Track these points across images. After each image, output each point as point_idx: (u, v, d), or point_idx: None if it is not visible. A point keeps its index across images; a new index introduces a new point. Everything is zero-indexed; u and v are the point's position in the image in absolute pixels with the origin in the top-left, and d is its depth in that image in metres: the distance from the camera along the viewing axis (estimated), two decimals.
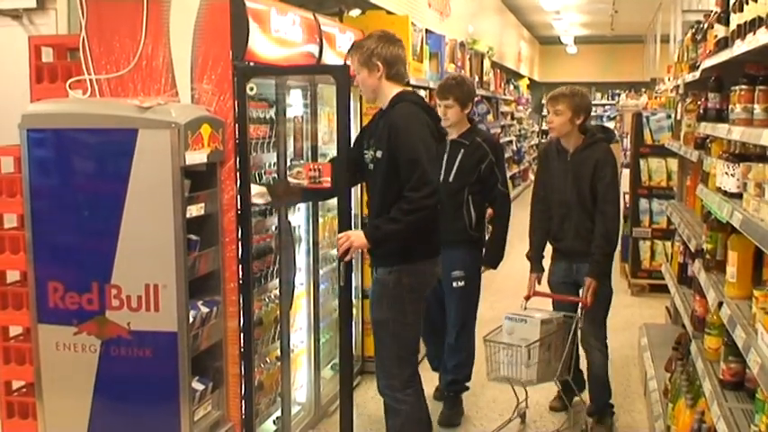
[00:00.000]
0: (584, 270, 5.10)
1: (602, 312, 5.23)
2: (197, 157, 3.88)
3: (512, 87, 17.32)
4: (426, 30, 7.86)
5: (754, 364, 2.92)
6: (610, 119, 23.43)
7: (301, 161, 4.64)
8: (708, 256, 4.21)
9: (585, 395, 5.44)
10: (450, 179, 5.25)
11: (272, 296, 4.75)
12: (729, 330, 3.40)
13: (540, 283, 5.37)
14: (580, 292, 5.14)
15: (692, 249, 4.82)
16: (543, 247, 5.40)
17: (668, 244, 8.22)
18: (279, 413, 4.82)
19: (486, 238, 5.59)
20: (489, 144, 5.38)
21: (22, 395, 4.60)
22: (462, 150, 5.28)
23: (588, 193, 5.10)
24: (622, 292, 9.42)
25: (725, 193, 3.91)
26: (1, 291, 4.56)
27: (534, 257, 5.41)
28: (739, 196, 3.68)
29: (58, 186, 3.98)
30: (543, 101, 24.87)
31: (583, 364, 5.45)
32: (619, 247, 10.43)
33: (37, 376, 4.12)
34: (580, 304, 5.05)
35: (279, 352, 4.78)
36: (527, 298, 5.26)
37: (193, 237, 3.99)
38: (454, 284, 5.30)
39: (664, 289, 6.95)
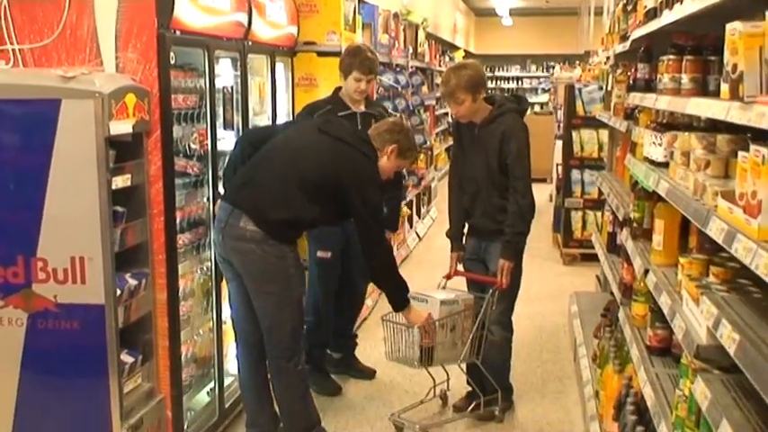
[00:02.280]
0: (491, 249, 4.94)
1: (513, 294, 5.03)
2: (122, 127, 3.81)
3: (447, 59, 17.32)
4: (359, 0, 7.81)
5: (679, 330, 2.97)
6: (544, 91, 23.63)
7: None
8: (635, 225, 4.27)
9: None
10: None
11: (205, 267, 4.70)
12: (655, 297, 3.46)
13: (461, 261, 5.15)
14: (493, 271, 4.92)
15: (621, 218, 4.90)
16: (463, 225, 5.18)
17: (599, 214, 8.34)
18: (212, 384, 4.79)
19: None
20: (387, 112, 5.74)
21: None
22: (374, 122, 5.09)
23: (497, 168, 4.83)
24: (554, 261, 9.56)
25: (652, 162, 3.97)
26: None
27: (454, 236, 5.20)
28: (666, 165, 3.74)
29: None
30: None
31: None
32: (551, 218, 10.63)
33: None
34: (493, 286, 4.85)
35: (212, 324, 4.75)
36: (447, 277, 5.10)
37: (119, 208, 3.91)
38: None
39: (594, 258, 7.04)
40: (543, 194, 13.49)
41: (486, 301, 4.82)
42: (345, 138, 4.37)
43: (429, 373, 5.04)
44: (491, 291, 4.82)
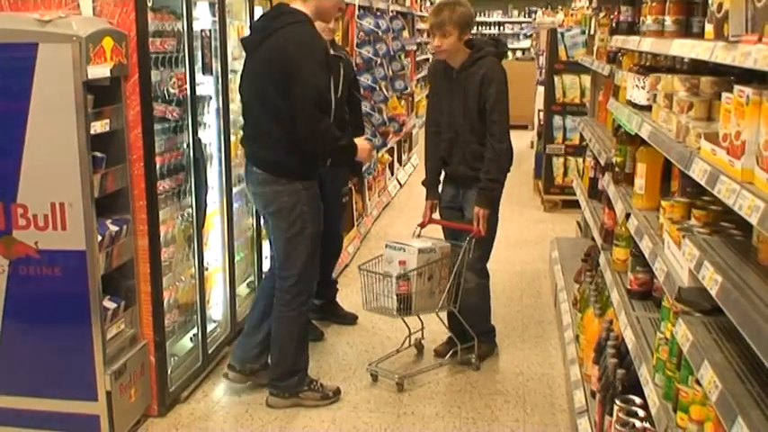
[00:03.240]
0: (468, 196, 4.90)
1: (490, 242, 5.00)
2: (100, 71, 3.75)
3: (428, 4, 17.17)
4: None
5: (660, 273, 2.99)
6: (526, 36, 23.46)
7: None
8: (617, 169, 4.27)
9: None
10: (338, 95, 4.87)
11: (186, 214, 4.67)
12: (637, 240, 3.47)
13: (436, 209, 5.10)
14: (469, 219, 4.90)
15: (602, 163, 4.88)
16: (439, 173, 5.09)
17: (580, 160, 8.33)
18: (195, 330, 4.80)
19: None
20: (346, 55, 5.77)
21: None
22: (342, 65, 5.16)
23: (476, 112, 4.75)
24: (535, 208, 9.59)
25: (634, 105, 3.96)
26: None
27: (429, 184, 5.09)
28: (649, 108, 3.73)
29: None
30: None
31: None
32: (532, 164, 10.63)
33: None
34: (470, 234, 4.83)
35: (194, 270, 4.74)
36: (422, 225, 5.05)
37: (99, 154, 3.88)
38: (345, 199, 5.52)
39: (575, 205, 7.06)
40: (524, 141, 13.49)
41: (462, 249, 4.78)
42: (273, 27, 4.24)
43: (405, 322, 5.07)
44: (467, 238, 4.78)
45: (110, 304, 4.02)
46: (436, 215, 5.14)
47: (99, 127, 3.84)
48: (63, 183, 3.78)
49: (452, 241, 4.95)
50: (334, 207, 5.36)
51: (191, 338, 4.82)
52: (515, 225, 8.72)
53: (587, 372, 4.12)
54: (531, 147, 12.14)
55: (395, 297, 4.65)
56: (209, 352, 4.90)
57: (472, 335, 5.02)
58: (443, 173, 5.09)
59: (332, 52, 4.89)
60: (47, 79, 3.71)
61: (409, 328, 5.14)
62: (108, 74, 3.80)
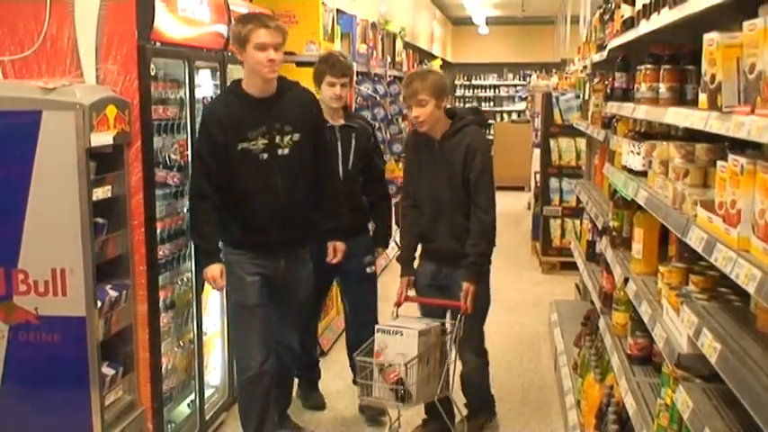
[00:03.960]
0: (455, 275, 4.60)
1: (480, 319, 4.77)
2: (102, 138, 3.80)
3: (425, 68, 17.39)
4: (338, 10, 7.84)
5: (660, 339, 3.00)
6: (521, 99, 23.71)
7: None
8: (614, 234, 4.30)
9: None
10: (350, 166, 5.04)
11: (186, 279, 4.69)
12: (636, 306, 3.48)
13: (412, 287, 4.79)
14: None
15: (600, 227, 4.91)
16: (415, 249, 4.85)
17: (578, 222, 8.38)
18: (193, 396, 4.78)
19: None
20: (368, 122, 5.46)
21: None
22: (354, 134, 5.07)
23: (461, 184, 4.54)
24: (533, 269, 9.60)
25: (630, 171, 3.99)
26: None
27: (405, 260, 4.81)
28: (644, 174, 3.77)
29: None
30: (456, 81, 25.07)
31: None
32: (529, 226, 10.67)
33: None
34: (450, 313, 4.62)
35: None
36: (398, 304, 4.62)
37: (100, 220, 3.91)
38: (368, 270, 5.21)
39: (574, 266, 7.06)
40: (521, 203, 13.58)
41: (455, 328, 4.47)
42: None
43: (387, 413, 4.75)
44: (459, 316, 4.45)
45: (108, 371, 4.01)
46: (412, 292, 4.83)
47: (101, 193, 3.88)
48: (64, 249, 3.80)
49: (436, 319, 4.55)
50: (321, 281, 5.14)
51: (188, 404, 4.79)
52: (514, 287, 8.72)
53: None
54: (528, 208, 12.20)
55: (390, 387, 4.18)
56: (207, 418, 4.88)
57: (465, 409, 4.93)
58: (421, 249, 4.85)
59: (342, 122, 5.08)
60: (50, 146, 3.75)
61: (390, 417, 4.68)
62: (111, 141, 3.85)
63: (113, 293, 4.00)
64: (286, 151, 4.25)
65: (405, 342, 4.20)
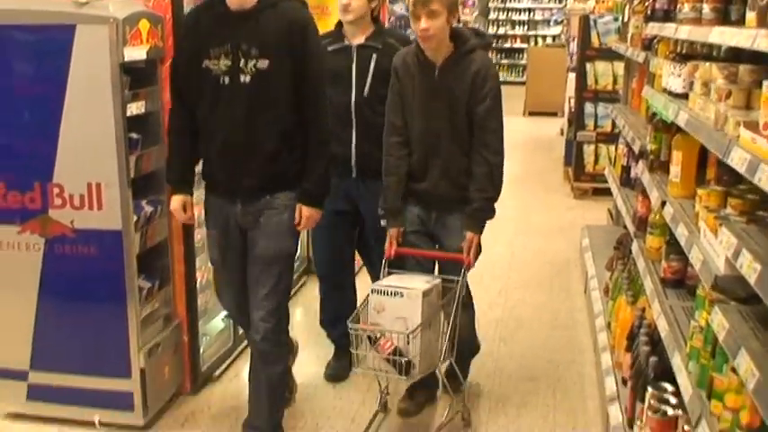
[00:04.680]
0: (448, 222, 4.03)
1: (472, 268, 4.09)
2: (136, 53, 3.78)
3: None
4: None
5: (696, 261, 2.98)
6: (557, 23, 23.33)
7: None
8: (652, 157, 4.26)
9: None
10: (365, 92, 4.32)
11: None
12: (672, 229, 3.46)
13: (401, 237, 4.10)
14: (453, 248, 4.01)
15: (636, 151, 4.87)
16: (402, 193, 4.07)
17: (612, 148, 8.31)
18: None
19: None
20: (402, 41, 4.40)
21: None
22: (375, 56, 4.31)
23: (463, 118, 3.91)
24: (565, 195, 9.55)
25: (671, 93, 3.93)
26: None
27: (392, 207, 4.09)
28: (685, 96, 3.71)
29: None
30: (491, 4, 24.69)
31: None
32: (562, 152, 10.58)
33: None
34: (441, 265, 4.14)
35: None
36: (387, 257, 4.04)
37: (135, 135, 3.91)
38: (383, 222, 4.23)
39: (606, 192, 7.05)
40: (554, 128, 13.46)
41: (458, 285, 3.89)
42: None
43: (378, 381, 4.13)
44: (463, 271, 3.91)
45: (144, 284, 4.06)
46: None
47: (135, 109, 3.88)
48: (99, 163, 3.82)
49: (432, 275, 4.04)
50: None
51: (222, 319, 4.85)
52: (545, 212, 8.70)
53: (619, 359, 4.12)
54: (561, 134, 12.08)
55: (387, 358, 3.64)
56: (240, 332, 4.93)
57: (461, 381, 4.24)
58: (408, 190, 4.10)
59: (362, 41, 4.36)
60: (84, 60, 3.74)
61: (380, 385, 4.14)
62: (144, 56, 3.83)
63: (149, 208, 4.03)
64: (247, 79, 3.50)
65: (406, 305, 3.66)
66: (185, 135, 3.71)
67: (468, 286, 4.11)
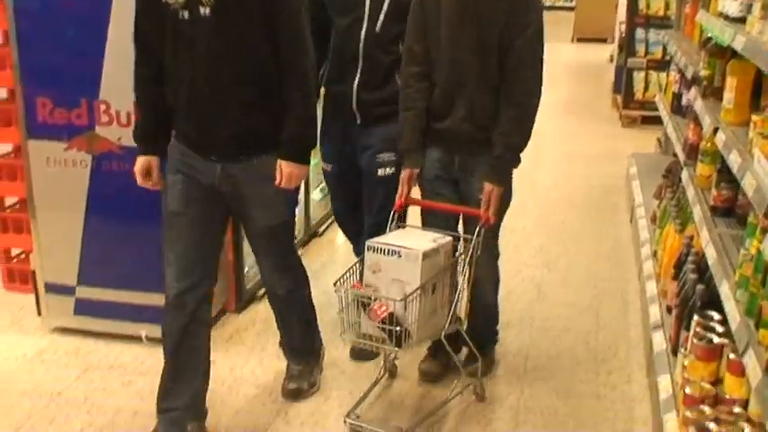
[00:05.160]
0: (470, 166, 3.56)
1: (497, 226, 3.65)
2: None
3: None
4: None
5: (749, 188, 2.91)
6: None
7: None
8: (705, 83, 4.16)
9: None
10: (378, 28, 3.79)
11: None
12: (724, 156, 3.39)
13: (416, 182, 3.66)
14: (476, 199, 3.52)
15: (689, 77, 4.76)
16: (421, 131, 3.58)
17: (662, 74, 8.16)
18: (300, 206, 4.93)
19: None
20: None
21: (16, 211, 4.66)
22: None
23: (495, 49, 3.38)
24: (613, 123, 9.42)
25: (727, 17, 3.82)
26: None
27: (408, 146, 3.60)
28: (742, 21, 3.61)
29: (41, 4, 3.89)
30: None
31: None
32: (611, 79, 10.41)
33: (29, 192, 4.11)
34: (465, 221, 3.65)
35: None
36: (398, 208, 3.58)
37: None
38: (380, 171, 3.90)
39: (655, 121, 6.95)
40: (603, 54, 13.25)
41: (471, 245, 3.45)
42: None
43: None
44: (477, 229, 3.44)
45: None
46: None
47: None
48: None
49: (445, 231, 3.53)
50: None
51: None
52: (592, 140, 8.60)
53: (664, 287, 4.09)
54: (611, 60, 11.89)
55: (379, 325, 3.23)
56: (312, 223, 5.08)
57: (475, 352, 3.76)
58: (429, 130, 3.61)
59: None
60: None
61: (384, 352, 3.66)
62: None
63: None
64: (207, 12, 3.03)
65: (404, 266, 3.23)
66: (150, 86, 3.26)
67: (497, 248, 3.76)
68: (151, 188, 3.37)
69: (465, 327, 3.65)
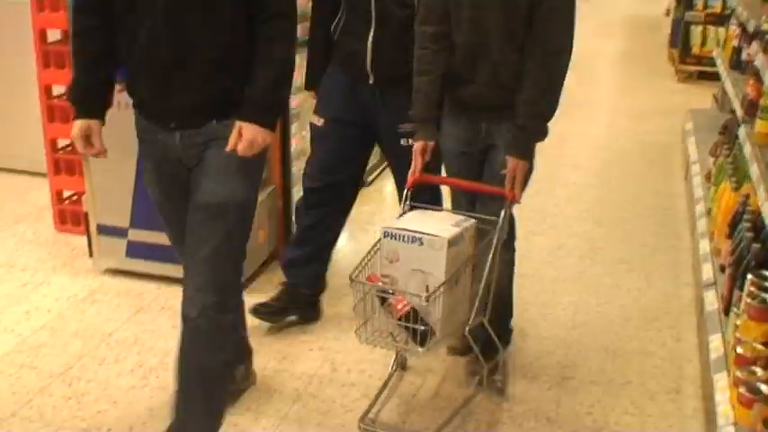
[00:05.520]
0: (498, 135, 3.15)
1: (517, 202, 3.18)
2: None
3: None
4: None
5: None
6: None
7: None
8: (767, 38, 4.06)
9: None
10: None
11: None
12: None
13: (429, 155, 3.24)
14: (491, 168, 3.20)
15: (750, 31, 4.65)
16: (436, 99, 3.20)
17: (721, 29, 7.98)
18: None
19: None
20: None
21: (68, 153, 4.70)
22: None
23: (524, 7, 2.98)
24: (668, 78, 9.25)
25: None
26: (42, 50, 4.56)
27: (422, 115, 3.22)
28: None
29: None
30: None
31: None
32: (668, 33, 10.20)
33: None
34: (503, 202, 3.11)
35: None
36: (411, 185, 3.20)
37: None
38: (402, 142, 3.52)
39: (712, 76, 6.80)
40: (659, 8, 12.96)
41: (498, 228, 3.03)
42: None
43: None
44: (504, 210, 3.05)
45: None
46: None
47: None
48: None
49: (468, 213, 3.14)
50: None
51: None
52: (646, 95, 8.46)
53: (717, 246, 4.03)
54: (667, 14, 11.62)
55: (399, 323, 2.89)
56: None
57: (497, 345, 3.38)
58: (450, 98, 3.25)
59: None
60: None
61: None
62: None
63: None
64: None
65: (427, 255, 2.86)
66: (95, 39, 2.74)
67: (512, 221, 3.32)
68: (96, 156, 2.85)
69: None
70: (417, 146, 3.20)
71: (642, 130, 7.18)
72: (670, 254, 4.79)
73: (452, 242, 2.85)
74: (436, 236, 2.84)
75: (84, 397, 3.34)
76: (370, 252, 3.01)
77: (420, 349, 2.87)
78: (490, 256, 3.01)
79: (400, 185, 3.58)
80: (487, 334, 3.26)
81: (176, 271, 4.10)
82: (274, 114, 2.69)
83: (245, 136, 2.58)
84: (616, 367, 3.66)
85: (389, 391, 3.39)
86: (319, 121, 3.70)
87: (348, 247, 4.60)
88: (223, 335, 2.80)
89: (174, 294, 4.07)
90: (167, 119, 2.69)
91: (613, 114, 7.57)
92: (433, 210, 3.19)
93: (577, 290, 4.34)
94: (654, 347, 3.82)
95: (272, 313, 3.86)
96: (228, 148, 2.59)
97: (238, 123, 2.59)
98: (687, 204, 5.40)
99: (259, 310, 3.82)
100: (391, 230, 2.91)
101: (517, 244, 3.47)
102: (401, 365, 3.53)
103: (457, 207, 3.32)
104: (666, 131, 7.12)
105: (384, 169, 5.20)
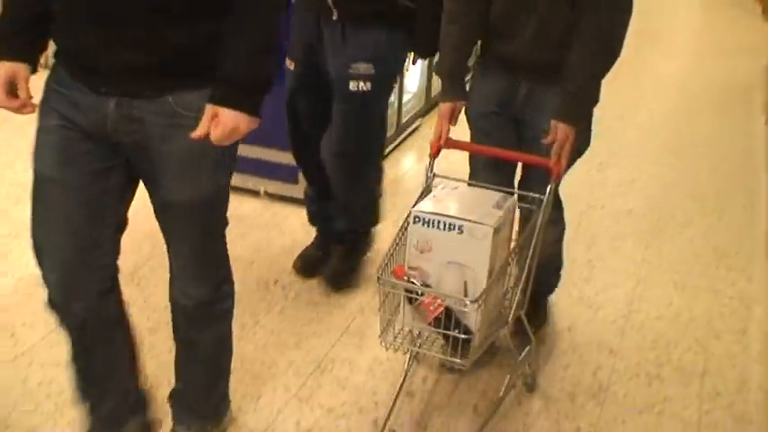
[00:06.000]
0: (538, 98, 2.74)
1: (570, 163, 2.71)
2: None
3: None
4: None
5: None
6: None
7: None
8: None
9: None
10: None
11: None
12: None
13: (456, 119, 2.80)
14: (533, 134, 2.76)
15: None
16: (468, 54, 2.81)
17: None
18: (392, 99, 4.78)
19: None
20: None
21: None
22: None
23: None
24: (754, 15, 8.98)
25: None
26: None
27: (451, 73, 2.80)
28: None
29: None
30: None
31: None
32: None
33: None
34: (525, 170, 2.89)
35: None
36: (435, 152, 2.69)
37: None
38: (351, 86, 3.04)
39: None
40: None
41: (542, 208, 2.57)
42: None
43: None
44: (549, 187, 2.57)
45: None
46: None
47: None
48: None
49: (500, 188, 2.64)
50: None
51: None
52: (728, 32, 8.21)
53: None
54: None
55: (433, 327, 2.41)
56: (403, 121, 5.01)
57: (531, 336, 2.86)
58: (487, 55, 2.84)
59: None
60: None
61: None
62: None
63: None
64: None
65: (466, 245, 2.36)
66: None
67: (561, 204, 3.00)
68: (18, 111, 2.10)
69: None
70: (444, 107, 2.76)
71: (723, 68, 6.98)
72: (745, 195, 4.69)
73: (498, 229, 2.37)
74: (480, 223, 2.34)
75: (151, 298, 3.38)
76: (395, 242, 2.50)
77: (458, 361, 2.38)
78: (534, 240, 2.56)
79: (331, 137, 3.15)
80: (523, 327, 2.81)
81: (244, 181, 4.13)
82: (262, 95, 2.02)
83: (228, 124, 1.95)
84: (683, 302, 3.60)
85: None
86: (292, 65, 3.22)
87: None
88: (220, 309, 2.46)
89: (242, 204, 4.15)
90: (99, 80, 2.02)
91: (692, 52, 7.38)
92: (462, 184, 2.70)
93: (648, 222, 4.27)
94: (723, 286, 3.75)
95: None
96: (197, 134, 1.97)
97: (214, 107, 1.96)
98: (766, 146, 5.26)
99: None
100: (423, 215, 2.39)
101: (567, 217, 3.13)
102: (415, 359, 2.99)
103: (474, 177, 2.88)
104: (750, 71, 6.92)
105: (399, 145, 4.99)
